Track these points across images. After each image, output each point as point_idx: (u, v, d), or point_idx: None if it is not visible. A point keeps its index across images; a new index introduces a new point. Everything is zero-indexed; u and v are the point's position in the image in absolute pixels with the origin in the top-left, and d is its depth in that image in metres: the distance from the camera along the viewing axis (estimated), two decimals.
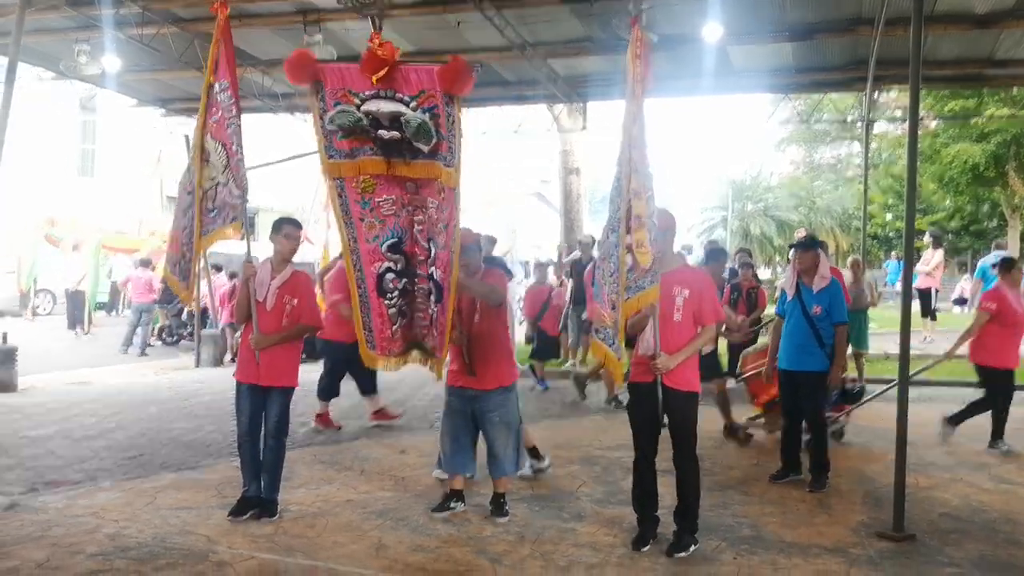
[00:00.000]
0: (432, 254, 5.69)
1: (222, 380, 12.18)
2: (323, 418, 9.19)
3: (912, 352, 6.36)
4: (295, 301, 6.08)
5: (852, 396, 8.58)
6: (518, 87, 14.29)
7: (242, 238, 6.34)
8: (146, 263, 17.64)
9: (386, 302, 5.82)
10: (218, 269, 17.04)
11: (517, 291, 18.41)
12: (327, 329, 8.15)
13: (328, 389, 9.21)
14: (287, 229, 6.18)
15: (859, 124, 15.39)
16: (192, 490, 6.72)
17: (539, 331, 12.21)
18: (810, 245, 7.25)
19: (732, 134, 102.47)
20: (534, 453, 7.13)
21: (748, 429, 8.64)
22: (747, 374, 8.59)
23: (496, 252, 16.21)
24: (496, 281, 6.11)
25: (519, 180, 49.65)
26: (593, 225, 22.06)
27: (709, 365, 7.66)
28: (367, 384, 9.39)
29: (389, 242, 5.76)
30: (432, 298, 5.72)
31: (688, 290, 5.41)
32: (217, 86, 6.39)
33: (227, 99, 6.27)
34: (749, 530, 5.86)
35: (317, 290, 7.40)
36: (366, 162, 5.64)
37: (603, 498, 6.61)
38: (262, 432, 6.14)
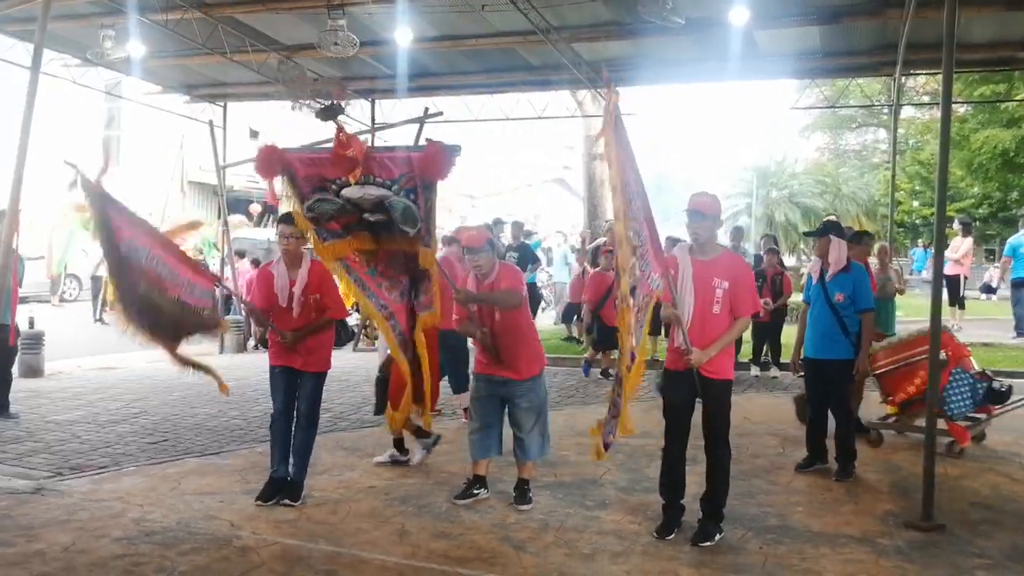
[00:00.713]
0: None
1: (245, 366, 12.24)
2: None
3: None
4: (318, 296, 6.08)
5: (998, 396, 7.93)
6: (542, 71, 14.16)
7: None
8: None
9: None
10: (241, 255, 17.08)
11: (539, 277, 18.41)
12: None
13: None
14: (280, 228, 6.04)
15: (885, 110, 15.24)
16: (216, 475, 6.74)
17: (598, 319, 11.56)
18: (823, 231, 7.16)
19: (757, 120, 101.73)
20: (398, 446, 7.16)
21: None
22: (880, 371, 7.99)
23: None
24: (511, 280, 6.04)
25: (541, 166, 49.53)
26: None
27: None
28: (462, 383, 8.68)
29: (411, 292, 5.85)
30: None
31: (728, 281, 5.33)
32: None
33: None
34: (775, 519, 5.81)
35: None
36: (358, 239, 5.65)
37: (627, 486, 6.57)
38: (295, 413, 6.17)
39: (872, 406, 8.39)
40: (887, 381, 7.93)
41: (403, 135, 7.32)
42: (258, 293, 6.23)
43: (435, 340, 6.24)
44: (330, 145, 5.43)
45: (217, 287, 6.47)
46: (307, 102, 6.13)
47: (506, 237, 15.18)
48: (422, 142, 5.53)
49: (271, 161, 5.56)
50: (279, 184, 5.62)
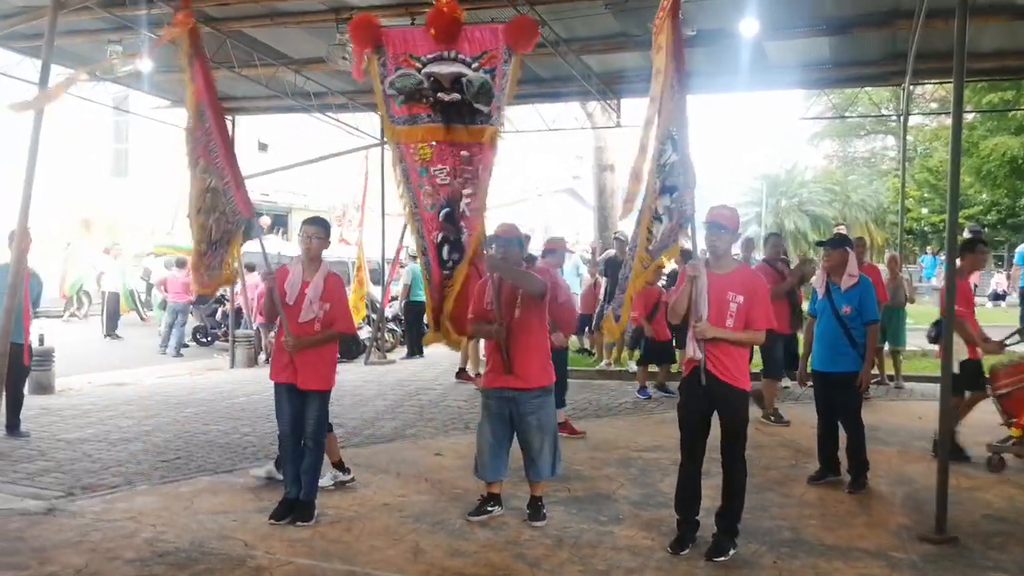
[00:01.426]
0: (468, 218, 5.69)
1: (257, 381, 12.24)
2: (566, 426, 8.40)
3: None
4: (327, 306, 6.05)
5: None
6: (552, 84, 14.16)
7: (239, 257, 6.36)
8: (182, 263, 17.73)
9: (444, 272, 5.82)
10: (251, 269, 17.12)
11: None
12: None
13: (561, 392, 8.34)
14: (304, 228, 6.13)
15: (894, 118, 15.25)
16: (228, 493, 6.73)
17: (645, 333, 11.19)
18: (838, 243, 7.13)
19: (765, 129, 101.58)
20: (339, 466, 7.01)
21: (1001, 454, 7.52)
22: (1002, 391, 7.57)
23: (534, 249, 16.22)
24: (538, 272, 6.07)
25: (550, 176, 49.57)
26: (628, 222, 21.89)
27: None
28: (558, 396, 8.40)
29: (445, 211, 5.76)
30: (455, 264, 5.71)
31: (743, 296, 5.33)
32: (200, 107, 6.30)
33: (206, 120, 6.22)
34: (789, 533, 5.78)
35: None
36: (424, 129, 5.64)
37: (641, 500, 6.55)
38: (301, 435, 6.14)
39: (978, 430, 7.94)
40: (1009, 402, 7.53)
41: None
42: (266, 292, 6.23)
43: (475, 269, 6.01)
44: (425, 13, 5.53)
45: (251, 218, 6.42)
46: None
47: None
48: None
49: (366, 30, 5.57)
50: (366, 60, 5.66)
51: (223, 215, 6.34)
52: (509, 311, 5.93)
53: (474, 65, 5.41)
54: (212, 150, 6.19)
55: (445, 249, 5.79)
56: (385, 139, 13.89)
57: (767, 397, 9.43)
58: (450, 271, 5.82)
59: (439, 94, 5.47)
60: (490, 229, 6.08)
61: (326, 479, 6.84)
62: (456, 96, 5.44)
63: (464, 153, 5.62)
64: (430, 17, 5.43)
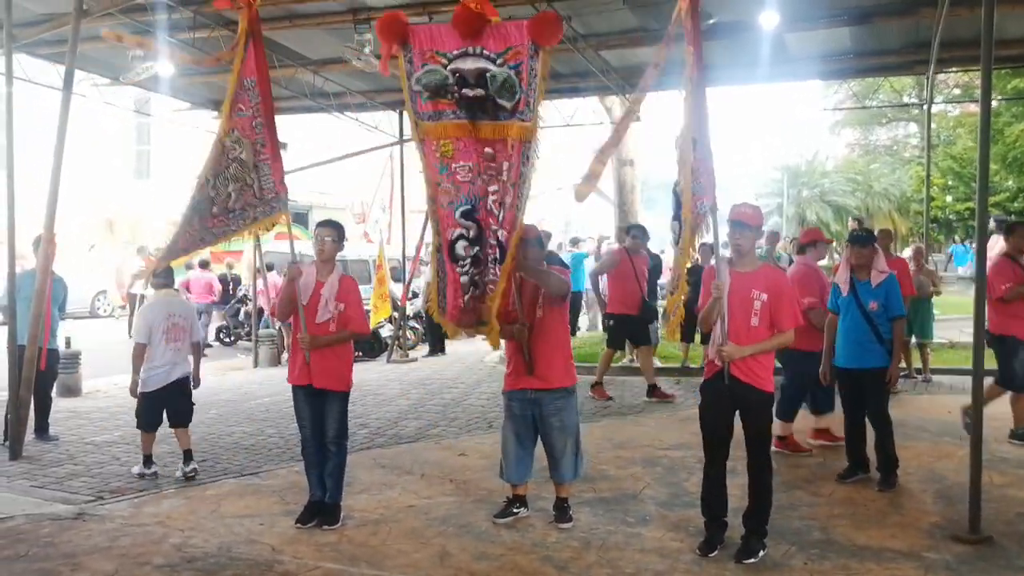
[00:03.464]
0: (500, 217, 5.64)
1: (280, 381, 12.16)
2: (788, 441, 7.88)
3: None
4: (341, 307, 6.04)
5: None
6: (570, 79, 14.12)
7: (259, 242, 6.35)
8: (204, 264, 17.83)
9: (458, 269, 5.79)
10: (270, 268, 17.17)
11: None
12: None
13: (791, 403, 7.90)
14: (318, 231, 6.14)
15: (917, 105, 15.15)
16: (255, 496, 6.74)
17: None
18: (867, 240, 7.03)
19: (786, 118, 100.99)
20: (146, 461, 7.47)
21: None
22: None
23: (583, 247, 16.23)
24: (560, 272, 6.05)
25: (570, 169, 49.48)
26: (647, 215, 21.84)
27: None
28: (824, 402, 8.03)
29: (462, 208, 5.73)
30: (496, 263, 5.65)
31: (767, 294, 5.27)
32: (246, 82, 6.38)
33: (255, 97, 6.29)
34: (819, 533, 5.72)
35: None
36: (449, 125, 5.63)
37: (668, 500, 6.50)
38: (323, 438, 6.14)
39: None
40: None
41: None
42: (284, 285, 6.23)
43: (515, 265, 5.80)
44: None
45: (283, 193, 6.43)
46: None
47: None
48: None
49: (393, 27, 5.60)
50: (393, 56, 5.67)
51: (249, 188, 6.36)
52: (531, 311, 5.89)
53: (499, 61, 5.40)
54: (256, 126, 6.27)
55: (459, 245, 5.76)
56: (410, 136, 13.92)
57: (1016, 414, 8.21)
58: (464, 268, 5.79)
59: (464, 90, 5.48)
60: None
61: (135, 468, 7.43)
62: (480, 92, 5.44)
63: (488, 150, 5.59)
64: (457, 13, 5.43)
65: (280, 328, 15.53)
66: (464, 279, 5.79)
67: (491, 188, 5.65)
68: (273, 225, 6.59)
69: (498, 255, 5.62)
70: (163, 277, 7.51)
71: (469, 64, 5.42)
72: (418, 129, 5.77)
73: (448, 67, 5.48)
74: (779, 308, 5.29)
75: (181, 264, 19.89)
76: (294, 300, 6.02)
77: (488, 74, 5.39)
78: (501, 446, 6.18)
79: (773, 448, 7.59)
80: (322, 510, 6.03)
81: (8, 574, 5.16)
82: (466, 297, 5.81)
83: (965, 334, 12.30)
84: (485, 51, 5.40)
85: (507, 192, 5.53)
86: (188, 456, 7.47)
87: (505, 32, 5.38)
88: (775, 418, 7.34)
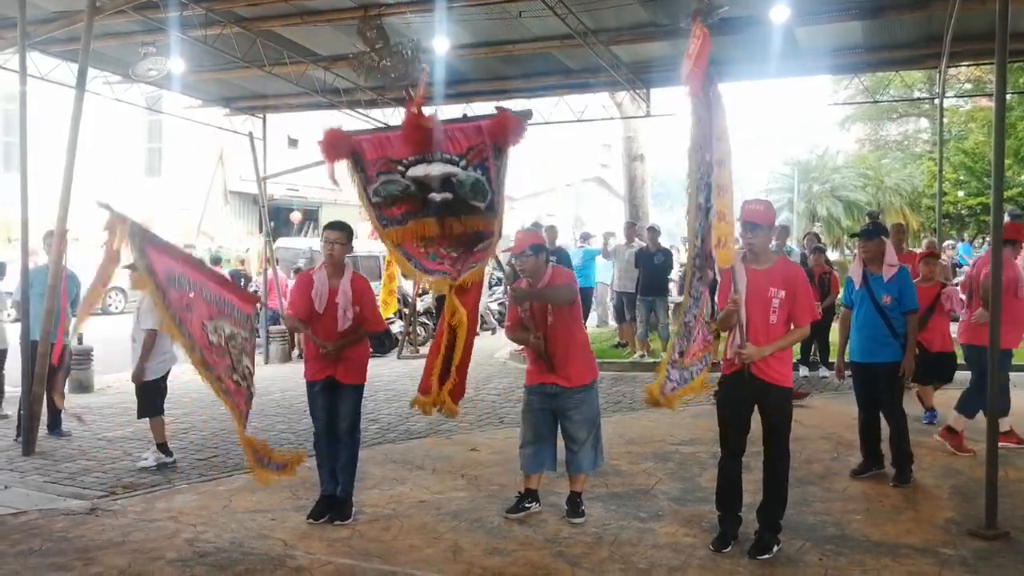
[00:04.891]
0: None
1: (291, 377, 12.28)
2: (1010, 436, 7.63)
3: None
4: (357, 309, 6.05)
5: None
6: (580, 75, 14.10)
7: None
8: (216, 262, 17.86)
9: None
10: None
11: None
12: (966, 333, 7.76)
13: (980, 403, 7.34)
14: (326, 234, 6.11)
15: (927, 100, 15.02)
16: (266, 492, 6.71)
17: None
18: (874, 233, 6.98)
19: (796, 114, 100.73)
20: (164, 448, 7.70)
21: None
22: None
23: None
24: (565, 279, 6.03)
25: (579, 165, 49.39)
26: (657, 212, 21.81)
27: None
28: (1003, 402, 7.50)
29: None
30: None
31: (784, 291, 5.24)
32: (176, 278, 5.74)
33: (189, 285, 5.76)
34: (833, 529, 5.70)
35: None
36: (419, 226, 5.58)
37: (680, 496, 6.48)
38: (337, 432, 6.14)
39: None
40: None
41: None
42: (297, 296, 6.19)
43: (474, 316, 5.86)
44: (398, 125, 5.41)
45: (258, 308, 6.43)
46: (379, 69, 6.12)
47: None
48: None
49: (337, 144, 5.54)
50: (345, 168, 5.60)
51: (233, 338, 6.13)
52: (542, 320, 5.88)
53: (462, 163, 5.29)
54: (209, 299, 5.86)
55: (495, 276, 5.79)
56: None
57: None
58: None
59: (430, 195, 5.38)
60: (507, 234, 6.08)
61: (149, 460, 7.58)
62: (448, 195, 5.34)
63: (470, 232, 5.58)
64: (404, 126, 5.34)
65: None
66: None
67: (476, 249, 5.65)
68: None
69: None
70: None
71: (433, 170, 5.31)
72: (390, 237, 5.68)
73: (406, 175, 5.38)
74: (796, 304, 5.26)
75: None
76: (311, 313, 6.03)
77: (454, 178, 5.29)
78: (520, 436, 6.17)
79: (936, 437, 7.73)
80: (333, 504, 6.03)
81: (22, 568, 5.17)
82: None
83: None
84: (443, 154, 5.31)
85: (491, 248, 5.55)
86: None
87: (464, 135, 5.29)
88: (955, 411, 7.59)
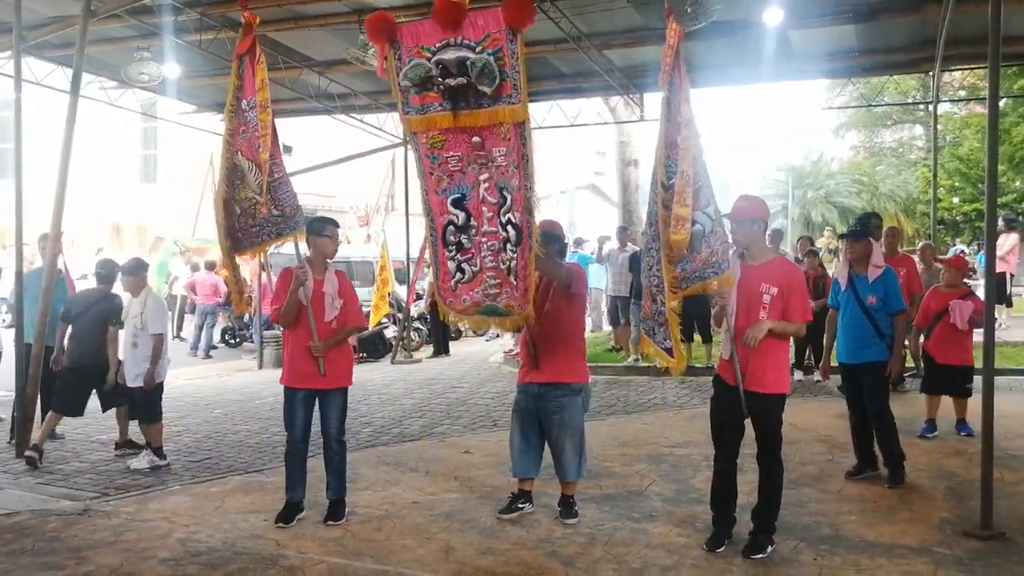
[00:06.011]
0: (508, 201, 5.60)
1: None
2: None
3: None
4: (341, 303, 6.07)
5: None
6: (574, 79, 14.12)
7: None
8: (211, 266, 17.84)
9: (447, 253, 5.78)
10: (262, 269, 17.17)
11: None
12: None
13: None
14: (330, 229, 6.15)
15: (921, 107, 15.07)
16: (259, 493, 6.73)
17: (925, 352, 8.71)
18: (861, 234, 6.99)
19: (790, 119, 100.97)
20: (159, 452, 7.65)
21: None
22: None
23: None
24: (570, 265, 6.06)
25: (573, 172, 49.40)
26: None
27: None
28: None
29: (453, 196, 5.72)
30: (509, 247, 5.60)
31: (777, 288, 5.23)
32: (245, 103, 6.38)
33: (254, 117, 6.25)
34: (828, 529, 5.68)
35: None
36: (435, 117, 5.65)
37: (674, 497, 6.47)
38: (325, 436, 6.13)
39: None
40: None
41: None
42: (281, 289, 6.10)
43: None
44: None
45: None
46: None
47: None
48: None
49: (381, 26, 5.63)
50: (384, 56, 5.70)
51: (263, 207, 6.38)
52: (539, 308, 5.85)
53: (478, 49, 5.43)
54: (260, 147, 6.24)
55: (449, 231, 5.75)
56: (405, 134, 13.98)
57: None
58: (451, 253, 5.77)
59: (447, 80, 5.50)
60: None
61: (142, 462, 7.54)
62: (462, 80, 5.46)
63: (476, 139, 5.60)
64: (437, 5, 5.46)
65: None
66: (451, 263, 5.77)
67: (482, 177, 5.63)
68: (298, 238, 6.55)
69: (512, 236, 5.55)
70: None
71: (451, 54, 5.44)
72: (408, 124, 5.80)
73: (432, 60, 5.50)
74: (790, 302, 5.25)
75: (187, 265, 20.03)
76: (301, 304, 5.98)
77: (468, 62, 5.41)
78: (509, 438, 6.15)
79: None
80: (300, 510, 6.03)
81: (13, 567, 5.16)
82: (453, 281, 5.78)
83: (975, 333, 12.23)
84: (465, 40, 5.44)
85: (510, 175, 5.51)
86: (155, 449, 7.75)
87: (483, 21, 5.42)
88: None
